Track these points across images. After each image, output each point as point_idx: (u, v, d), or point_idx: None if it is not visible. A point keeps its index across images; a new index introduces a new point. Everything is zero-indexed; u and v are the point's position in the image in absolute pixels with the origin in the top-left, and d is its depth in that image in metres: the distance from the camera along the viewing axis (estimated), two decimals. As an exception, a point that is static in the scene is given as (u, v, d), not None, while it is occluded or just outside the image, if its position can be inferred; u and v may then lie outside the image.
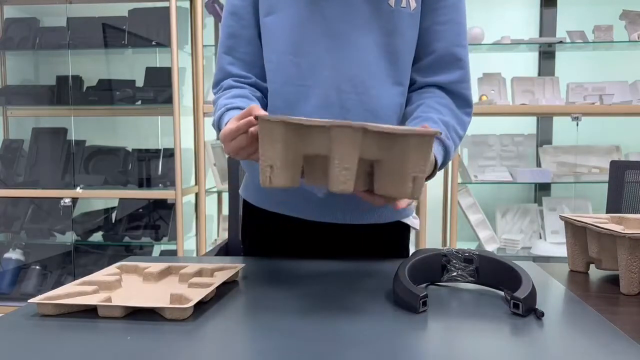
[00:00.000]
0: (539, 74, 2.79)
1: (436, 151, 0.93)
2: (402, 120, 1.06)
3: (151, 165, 2.78)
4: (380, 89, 1.01)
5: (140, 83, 2.79)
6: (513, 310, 0.75)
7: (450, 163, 2.46)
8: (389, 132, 0.67)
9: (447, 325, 0.70)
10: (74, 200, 2.79)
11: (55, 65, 2.94)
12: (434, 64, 1.05)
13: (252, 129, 0.80)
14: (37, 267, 2.84)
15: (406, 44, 1.02)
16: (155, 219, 2.80)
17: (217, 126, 1.00)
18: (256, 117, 0.74)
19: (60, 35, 2.75)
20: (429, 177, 0.93)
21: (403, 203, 0.83)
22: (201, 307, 0.76)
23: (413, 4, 1.01)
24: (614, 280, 0.93)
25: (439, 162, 0.94)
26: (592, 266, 1.00)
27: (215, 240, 2.91)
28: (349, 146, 0.69)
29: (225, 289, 0.86)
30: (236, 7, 1.06)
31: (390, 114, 1.03)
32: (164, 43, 2.62)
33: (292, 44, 1.00)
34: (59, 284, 2.75)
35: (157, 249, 2.89)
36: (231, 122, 0.84)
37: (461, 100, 1.05)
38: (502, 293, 0.83)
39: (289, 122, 0.69)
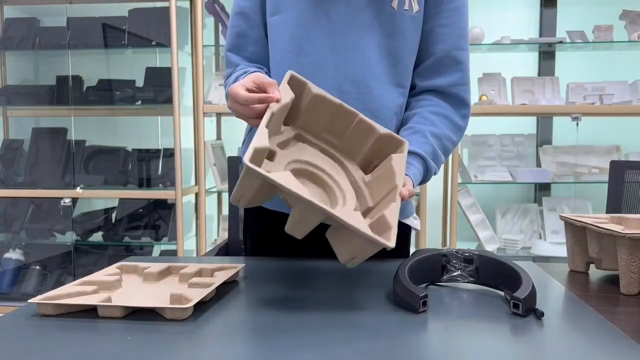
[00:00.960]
0: (539, 74, 2.79)
1: (414, 173, 0.95)
2: (402, 123, 1.07)
3: (151, 165, 2.78)
4: (381, 90, 1.02)
5: (140, 83, 2.79)
6: (513, 310, 0.75)
7: (450, 163, 2.47)
8: (350, 228, 0.71)
9: (447, 325, 0.70)
10: (74, 200, 2.79)
11: (55, 65, 2.94)
12: (433, 66, 1.06)
13: (257, 105, 0.84)
14: (37, 267, 2.83)
15: (408, 46, 1.04)
16: (155, 219, 2.80)
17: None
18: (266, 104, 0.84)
19: (60, 35, 2.75)
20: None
21: (405, 192, 0.86)
22: (201, 307, 0.76)
23: (415, 7, 1.02)
24: (614, 280, 0.93)
25: (415, 183, 0.96)
26: (592, 266, 1.00)
27: (215, 240, 2.91)
28: (314, 217, 0.74)
29: (225, 289, 0.86)
30: (243, 8, 1.08)
31: (390, 115, 1.04)
32: (164, 43, 2.62)
33: (296, 43, 1.01)
34: (59, 284, 2.75)
35: (157, 249, 2.89)
36: (247, 82, 0.88)
37: (458, 102, 1.06)
38: (502, 293, 0.83)
39: (268, 179, 0.72)
